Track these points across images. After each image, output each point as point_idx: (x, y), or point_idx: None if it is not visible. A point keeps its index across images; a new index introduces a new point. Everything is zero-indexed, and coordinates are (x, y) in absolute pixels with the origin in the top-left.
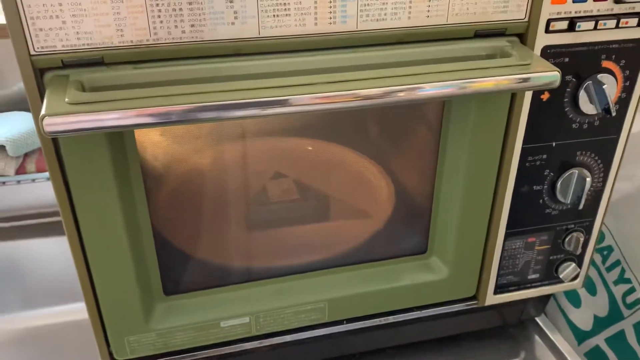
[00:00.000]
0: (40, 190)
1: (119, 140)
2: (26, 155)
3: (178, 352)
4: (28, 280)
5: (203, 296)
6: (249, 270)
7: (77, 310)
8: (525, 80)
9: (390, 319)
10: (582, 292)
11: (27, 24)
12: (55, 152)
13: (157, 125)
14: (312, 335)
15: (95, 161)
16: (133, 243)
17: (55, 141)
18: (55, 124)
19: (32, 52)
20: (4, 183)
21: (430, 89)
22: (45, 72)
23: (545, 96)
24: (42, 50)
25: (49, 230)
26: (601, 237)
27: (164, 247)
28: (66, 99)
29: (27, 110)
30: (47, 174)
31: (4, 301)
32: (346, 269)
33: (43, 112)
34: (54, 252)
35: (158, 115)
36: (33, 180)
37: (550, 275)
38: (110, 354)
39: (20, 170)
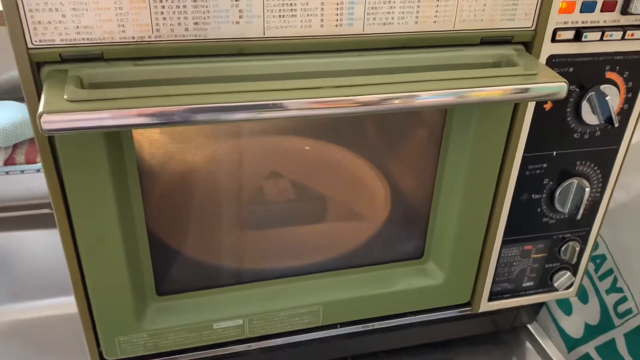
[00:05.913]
0: (29, 182)
1: (116, 137)
2: (15, 146)
3: (169, 353)
4: (16, 272)
5: (196, 297)
6: (243, 272)
7: (66, 304)
8: (532, 90)
9: (384, 323)
10: (574, 300)
11: (26, 16)
12: (50, 148)
13: (157, 125)
14: (306, 339)
15: (91, 158)
16: (127, 242)
17: (50, 137)
18: (53, 121)
19: (30, 45)
20: None
21: (427, 97)
22: (43, 66)
23: (548, 106)
24: (40, 43)
25: (38, 222)
26: (595, 245)
27: (158, 247)
28: (65, 96)
29: (17, 99)
30: (36, 165)
31: None
32: (342, 273)
33: (41, 109)
34: (42, 244)
35: (159, 116)
36: (22, 171)
37: (545, 283)
38: (100, 353)
39: (9, 161)
